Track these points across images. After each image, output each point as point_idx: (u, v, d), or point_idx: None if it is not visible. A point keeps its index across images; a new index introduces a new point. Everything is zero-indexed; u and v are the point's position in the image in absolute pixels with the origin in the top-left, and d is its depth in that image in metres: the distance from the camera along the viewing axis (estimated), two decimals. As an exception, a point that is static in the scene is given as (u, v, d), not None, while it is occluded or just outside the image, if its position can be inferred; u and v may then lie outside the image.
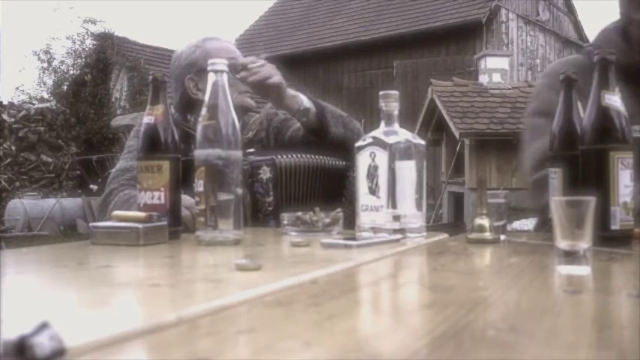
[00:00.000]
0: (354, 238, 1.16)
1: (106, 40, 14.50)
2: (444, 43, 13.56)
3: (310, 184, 1.76)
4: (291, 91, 1.75)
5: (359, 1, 15.80)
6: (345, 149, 1.78)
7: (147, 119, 1.31)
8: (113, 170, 1.79)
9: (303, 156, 1.75)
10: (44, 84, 16.00)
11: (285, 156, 1.72)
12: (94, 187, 10.64)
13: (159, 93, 1.33)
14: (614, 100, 1.13)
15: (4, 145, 11.51)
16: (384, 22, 14.60)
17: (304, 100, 1.76)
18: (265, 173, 1.68)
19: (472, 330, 0.54)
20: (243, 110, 1.76)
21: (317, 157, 1.77)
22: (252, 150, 1.76)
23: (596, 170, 1.12)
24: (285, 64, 16.27)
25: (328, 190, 1.78)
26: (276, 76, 1.69)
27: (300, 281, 0.77)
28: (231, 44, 1.88)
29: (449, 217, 10.56)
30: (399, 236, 1.20)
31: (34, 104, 13.00)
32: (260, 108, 1.96)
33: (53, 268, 0.97)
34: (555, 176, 1.21)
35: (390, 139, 1.24)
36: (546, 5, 15.69)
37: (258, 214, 1.67)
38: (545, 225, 1.46)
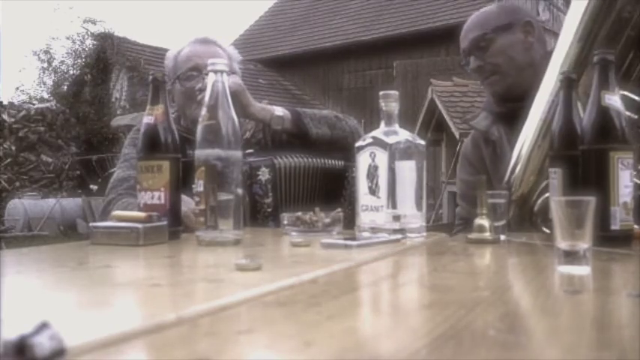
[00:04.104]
0: (354, 238, 1.16)
1: (106, 40, 14.50)
2: (444, 43, 13.53)
3: (309, 185, 1.76)
4: (259, 104, 1.76)
5: (359, 1, 15.79)
6: (339, 148, 1.79)
7: (147, 119, 1.31)
8: (111, 180, 1.79)
9: (302, 157, 1.75)
10: (44, 84, 16.01)
11: (283, 157, 1.72)
12: (94, 187, 10.64)
13: (159, 93, 1.33)
14: (614, 100, 1.13)
15: (4, 145, 11.51)
16: (384, 22, 14.60)
17: (276, 109, 1.76)
18: (264, 174, 1.68)
19: (472, 330, 0.54)
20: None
21: (315, 158, 1.77)
22: (250, 151, 1.76)
23: (596, 170, 1.12)
24: (286, 64, 16.32)
25: (327, 190, 1.78)
26: (233, 86, 1.67)
27: (300, 281, 0.77)
28: (215, 46, 1.86)
29: (449, 217, 10.56)
30: (399, 236, 1.20)
31: (34, 104, 13.00)
32: None
33: (53, 268, 0.97)
34: (555, 176, 1.21)
35: (390, 139, 1.24)
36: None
37: (257, 215, 1.67)
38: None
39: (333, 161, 1.81)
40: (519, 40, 1.78)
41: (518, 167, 1.43)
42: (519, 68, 1.75)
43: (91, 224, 1.22)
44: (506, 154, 1.69)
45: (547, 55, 1.72)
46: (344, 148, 1.77)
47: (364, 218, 1.26)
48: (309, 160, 1.76)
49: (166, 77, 1.40)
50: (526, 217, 1.38)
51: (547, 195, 1.29)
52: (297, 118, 1.77)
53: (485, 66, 1.79)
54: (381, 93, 1.30)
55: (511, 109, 1.72)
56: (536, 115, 1.41)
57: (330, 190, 1.78)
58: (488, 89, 1.84)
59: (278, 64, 15.63)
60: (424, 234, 1.27)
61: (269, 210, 1.68)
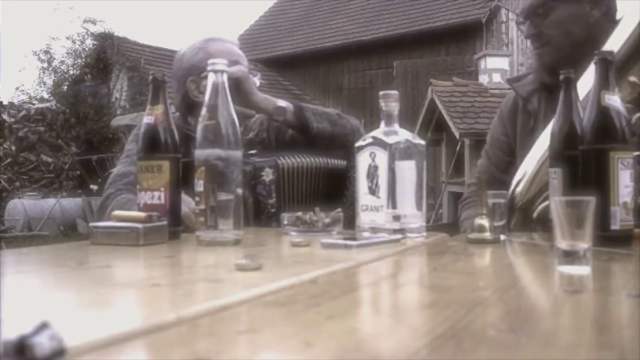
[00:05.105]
0: (354, 238, 1.16)
1: (106, 40, 14.50)
2: (444, 43, 13.54)
3: (312, 185, 1.76)
4: (262, 94, 1.76)
5: (359, 1, 15.79)
6: (340, 145, 1.79)
7: (147, 119, 1.31)
8: (111, 175, 1.79)
9: (305, 157, 1.75)
10: (44, 84, 16.00)
11: (287, 157, 1.73)
12: (94, 187, 10.64)
13: (159, 93, 1.33)
14: (614, 100, 1.13)
15: (4, 145, 11.51)
16: (384, 22, 14.59)
17: (279, 101, 1.77)
18: (268, 175, 1.68)
19: (472, 330, 0.54)
20: (244, 116, 1.77)
21: (318, 157, 1.78)
22: (254, 151, 1.76)
23: (596, 170, 1.12)
24: (285, 64, 16.28)
25: (330, 190, 1.78)
26: (237, 72, 1.69)
27: (300, 281, 0.77)
28: (234, 45, 1.88)
29: (449, 217, 10.56)
30: (399, 236, 1.20)
31: (34, 104, 13.01)
32: None
33: (53, 268, 0.97)
34: (555, 176, 1.21)
35: (390, 139, 1.24)
36: None
37: (261, 215, 1.67)
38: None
39: (335, 161, 1.81)
40: (583, 13, 1.61)
41: (523, 182, 1.42)
42: (575, 43, 1.60)
43: (91, 224, 1.22)
44: (539, 128, 1.62)
45: (610, 30, 1.58)
46: (344, 145, 1.77)
47: (364, 218, 1.26)
48: (312, 160, 1.76)
49: (166, 77, 1.39)
50: (527, 224, 1.38)
51: (547, 203, 1.29)
52: (299, 111, 1.78)
53: (539, 35, 1.66)
54: (381, 93, 1.30)
55: (558, 82, 1.64)
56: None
57: (333, 190, 1.79)
58: (537, 59, 1.71)
59: (278, 64, 15.62)
60: (424, 234, 1.27)
61: (272, 210, 1.68)
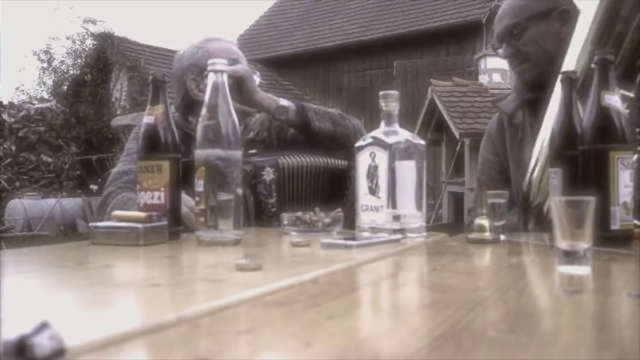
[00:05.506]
0: (354, 238, 1.16)
1: (106, 40, 14.49)
2: (444, 43, 13.54)
3: (313, 184, 1.76)
4: (264, 93, 1.77)
5: (359, 1, 15.79)
6: (342, 145, 1.80)
7: (147, 119, 1.31)
8: (111, 173, 1.79)
9: (306, 157, 1.75)
10: (44, 84, 16.01)
11: (288, 157, 1.73)
12: (94, 187, 10.64)
13: (159, 93, 1.33)
14: (614, 100, 1.13)
15: (4, 145, 11.51)
16: (384, 22, 14.59)
17: (281, 100, 1.78)
18: (268, 174, 1.68)
19: (472, 330, 0.54)
20: (244, 114, 1.77)
21: (319, 157, 1.78)
22: (254, 151, 1.76)
23: (596, 170, 1.12)
24: (286, 64, 16.26)
25: (331, 190, 1.78)
26: (240, 71, 1.70)
27: (300, 281, 0.77)
28: (233, 45, 1.89)
29: (449, 217, 10.56)
30: (399, 236, 1.20)
31: (34, 104, 13.00)
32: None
33: (53, 268, 0.97)
34: (555, 176, 1.21)
35: (390, 139, 1.25)
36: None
37: (262, 215, 1.67)
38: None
39: (336, 161, 1.81)
40: (554, 31, 1.73)
41: (535, 174, 1.43)
42: (550, 59, 1.67)
43: (91, 224, 1.22)
44: (527, 139, 1.69)
45: None
46: (346, 146, 1.77)
47: (364, 218, 1.26)
48: (313, 159, 1.76)
49: (166, 77, 1.39)
50: (544, 223, 1.39)
51: None
52: (301, 111, 1.78)
53: (517, 54, 1.77)
54: (381, 93, 1.30)
55: (539, 96, 1.69)
56: (550, 121, 1.41)
57: (334, 190, 1.79)
58: (518, 76, 1.83)
59: (278, 64, 15.62)
60: (424, 234, 1.27)
61: (273, 210, 1.68)
